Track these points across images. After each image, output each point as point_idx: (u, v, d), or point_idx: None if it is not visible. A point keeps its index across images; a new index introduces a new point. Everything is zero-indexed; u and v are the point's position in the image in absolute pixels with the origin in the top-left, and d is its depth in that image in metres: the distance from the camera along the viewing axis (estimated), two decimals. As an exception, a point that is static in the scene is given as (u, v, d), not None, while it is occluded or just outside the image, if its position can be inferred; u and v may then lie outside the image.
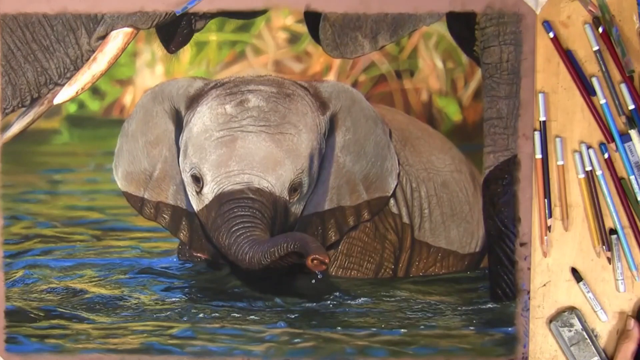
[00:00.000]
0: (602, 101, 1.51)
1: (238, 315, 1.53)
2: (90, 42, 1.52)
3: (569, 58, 1.51)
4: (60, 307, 1.54)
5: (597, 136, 1.52)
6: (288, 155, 1.50)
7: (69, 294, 1.55)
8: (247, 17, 1.53)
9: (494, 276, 1.53)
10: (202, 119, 1.51)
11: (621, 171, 1.52)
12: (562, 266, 1.52)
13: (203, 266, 1.56)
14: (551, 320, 1.52)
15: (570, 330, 1.52)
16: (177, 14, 1.50)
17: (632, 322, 1.49)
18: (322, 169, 1.54)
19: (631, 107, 1.50)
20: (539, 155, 1.51)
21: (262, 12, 1.53)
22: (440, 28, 1.54)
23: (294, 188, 1.51)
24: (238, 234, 1.47)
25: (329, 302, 1.53)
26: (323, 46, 1.53)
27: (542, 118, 1.51)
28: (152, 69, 1.55)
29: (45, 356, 1.53)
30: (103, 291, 1.55)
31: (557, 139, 1.52)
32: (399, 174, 1.56)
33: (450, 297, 1.55)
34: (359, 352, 1.51)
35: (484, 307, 1.53)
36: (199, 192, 1.51)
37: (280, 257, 1.45)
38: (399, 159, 1.56)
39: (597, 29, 1.50)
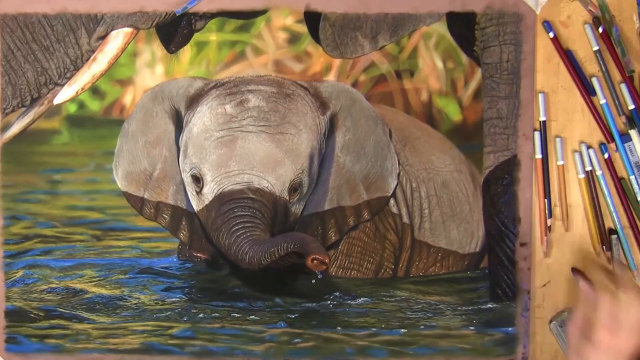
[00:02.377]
0: (602, 101, 1.51)
1: (238, 315, 1.53)
2: (90, 42, 1.52)
3: (569, 58, 1.51)
4: (60, 307, 1.54)
5: (597, 136, 1.52)
6: (288, 155, 1.50)
7: (69, 294, 1.55)
8: (247, 17, 1.53)
9: (494, 276, 1.53)
10: (202, 119, 1.51)
11: (621, 171, 1.52)
12: (562, 266, 1.53)
13: (203, 266, 1.56)
14: (551, 320, 1.52)
15: (570, 330, 1.52)
16: (177, 14, 1.50)
17: (580, 280, 1.39)
18: (322, 169, 1.54)
19: (631, 107, 1.50)
20: (539, 155, 1.51)
21: (262, 12, 1.53)
22: (440, 28, 1.54)
23: (294, 188, 1.51)
24: (238, 234, 1.47)
25: (329, 302, 1.53)
26: (323, 46, 1.53)
27: (542, 118, 1.51)
28: (152, 69, 1.55)
29: (45, 356, 1.53)
30: (103, 291, 1.55)
31: (557, 139, 1.52)
32: (399, 174, 1.56)
33: (450, 297, 1.55)
34: (359, 352, 1.51)
35: (484, 307, 1.53)
36: (199, 192, 1.51)
37: (280, 257, 1.45)
38: (399, 159, 1.56)
39: (597, 29, 1.50)
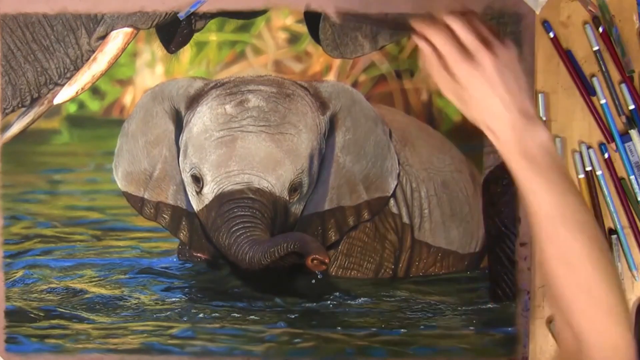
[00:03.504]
0: (602, 101, 1.51)
1: (238, 315, 1.53)
2: (90, 42, 1.52)
3: (568, 58, 1.51)
4: (60, 307, 1.54)
5: (597, 136, 1.52)
6: (288, 155, 1.50)
7: (69, 294, 1.55)
8: (247, 17, 1.53)
9: (494, 276, 1.53)
10: (202, 119, 1.51)
11: (621, 171, 1.52)
12: (562, 266, 1.52)
13: (203, 266, 1.56)
14: (551, 320, 1.52)
15: (570, 330, 1.51)
16: (181, 19, 1.50)
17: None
18: (322, 169, 1.54)
19: (631, 107, 1.50)
20: (539, 155, 1.51)
21: (262, 12, 1.53)
22: (440, 28, 1.53)
23: (294, 188, 1.51)
24: (238, 234, 1.47)
25: (329, 302, 1.53)
26: (323, 46, 1.53)
27: (542, 118, 1.51)
28: (152, 69, 1.55)
29: (45, 356, 1.53)
30: (103, 291, 1.55)
31: (557, 139, 1.52)
32: (399, 174, 1.55)
33: (450, 297, 1.55)
34: (359, 352, 1.51)
35: (484, 307, 1.53)
36: (199, 192, 1.51)
37: (280, 257, 1.45)
38: (399, 159, 1.56)
39: (597, 29, 1.50)
